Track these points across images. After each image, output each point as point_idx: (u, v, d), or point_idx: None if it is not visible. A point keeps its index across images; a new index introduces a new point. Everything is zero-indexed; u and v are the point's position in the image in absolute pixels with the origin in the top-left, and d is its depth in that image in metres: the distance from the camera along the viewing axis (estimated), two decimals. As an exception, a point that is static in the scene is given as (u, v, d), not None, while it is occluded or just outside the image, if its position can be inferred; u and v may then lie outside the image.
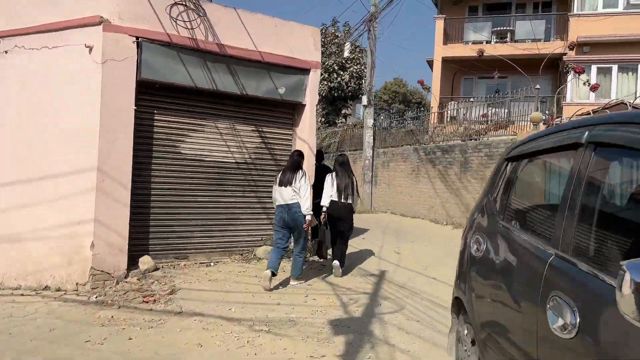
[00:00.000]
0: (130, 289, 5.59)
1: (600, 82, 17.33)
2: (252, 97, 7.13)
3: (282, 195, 5.91)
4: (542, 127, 9.21)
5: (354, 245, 8.70)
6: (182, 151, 6.79)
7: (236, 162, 7.19)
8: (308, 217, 5.93)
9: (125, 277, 5.88)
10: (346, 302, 5.36)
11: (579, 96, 16.61)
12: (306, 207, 5.89)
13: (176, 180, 6.74)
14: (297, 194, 5.85)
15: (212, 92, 6.80)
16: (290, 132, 7.68)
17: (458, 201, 11.35)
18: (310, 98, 7.57)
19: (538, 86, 10.29)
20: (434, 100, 15.09)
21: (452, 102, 16.36)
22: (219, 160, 7.05)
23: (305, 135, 7.56)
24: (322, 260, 7.47)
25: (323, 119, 21.26)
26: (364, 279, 6.36)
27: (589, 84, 10.42)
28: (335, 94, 20.79)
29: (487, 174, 10.44)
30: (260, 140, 7.41)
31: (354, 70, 20.64)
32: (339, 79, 20.41)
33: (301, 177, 5.92)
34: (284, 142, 7.63)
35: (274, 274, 5.83)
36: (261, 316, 4.85)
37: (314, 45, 7.63)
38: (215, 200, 7.02)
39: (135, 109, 6.08)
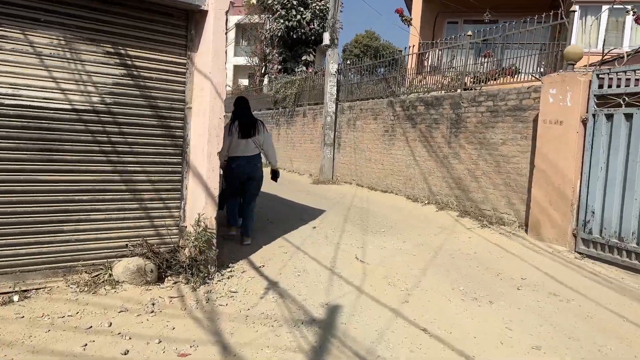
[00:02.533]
0: None
1: (611, 28, 14.57)
2: (101, -10, 3.88)
3: (241, 148, 5.50)
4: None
5: (297, 242, 5.71)
6: (-44, 85, 3.54)
7: (75, 110, 3.98)
8: (280, 171, 6.28)
9: None
10: None
11: (584, 43, 13.79)
12: (275, 160, 5.98)
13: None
14: (257, 146, 5.61)
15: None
16: (184, 60, 4.47)
17: (445, 173, 8.45)
18: (217, 0, 4.34)
19: (575, 8, 7.27)
20: (414, 36, 11.92)
21: (434, 49, 13.25)
22: (39, 105, 3.81)
23: (208, 65, 4.37)
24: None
25: (280, 67, 17.85)
26: (293, 334, 3.38)
27: (634, 12, 7.47)
28: (295, 36, 17.28)
29: (488, 136, 7.53)
30: (125, 72, 4.18)
31: (318, 8, 17.10)
32: (298, 16, 16.86)
33: (263, 128, 5.70)
34: (171, 77, 4.42)
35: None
36: None
37: None
38: (33, 177, 3.84)
39: None
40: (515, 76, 8.26)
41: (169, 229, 4.52)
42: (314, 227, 6.73)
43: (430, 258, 5.45)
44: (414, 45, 10.02)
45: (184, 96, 4.49)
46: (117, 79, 4.14)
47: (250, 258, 5.10)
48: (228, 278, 4.45)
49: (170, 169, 4.49)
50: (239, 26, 30.03)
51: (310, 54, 17.76)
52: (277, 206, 8.27)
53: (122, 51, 4.15)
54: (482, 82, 8.20)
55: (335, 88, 11.90)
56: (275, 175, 6.15)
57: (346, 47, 42.59)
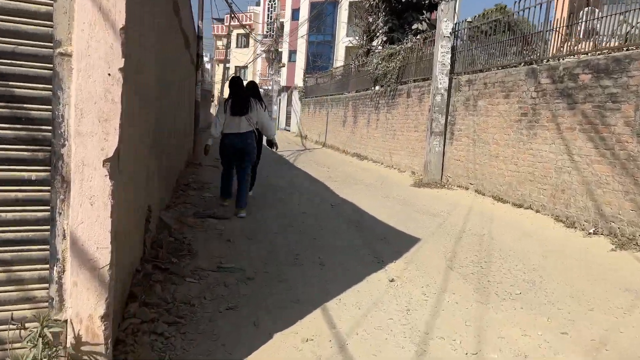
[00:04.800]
0: None
1: None
2: None
3: (234, 125, 5.65)
4: None
5: (348, 322, 2.87)
6: None
7: None
8: (277, 142, 6.50)
9: None
10: None
11: None
12: (271, 131, 6.36)
13: None
14: (251, 124, 5.71)
15: None
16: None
17: (630, 185, 5.02)
18: None
19: None
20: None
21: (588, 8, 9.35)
22: None
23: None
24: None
25: (385, 38, 14.82)
26: None
27: None
28: (403, 0, 14.12)
29: None
30: None
31: (434, -38, 13.71)
32: (407, -27, 13.67)
33: (257, 106, 5.78)
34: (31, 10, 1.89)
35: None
36: None
37: None
38: None
39: None
40: None
41: (24, 329, 2.03)
42: (392, 280, 3.88)
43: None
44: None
45: (49, 28, 1.93)
46: None
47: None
48: None
49: (19, 196, 1.98)
50: (352, 5, 27.65)
51: (423, 22, 14.47)
52: (342, 228, 5.52)
53: None
54: None
55: (449, 56, 8.71)
56: (270, 144, 6.44)
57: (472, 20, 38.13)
